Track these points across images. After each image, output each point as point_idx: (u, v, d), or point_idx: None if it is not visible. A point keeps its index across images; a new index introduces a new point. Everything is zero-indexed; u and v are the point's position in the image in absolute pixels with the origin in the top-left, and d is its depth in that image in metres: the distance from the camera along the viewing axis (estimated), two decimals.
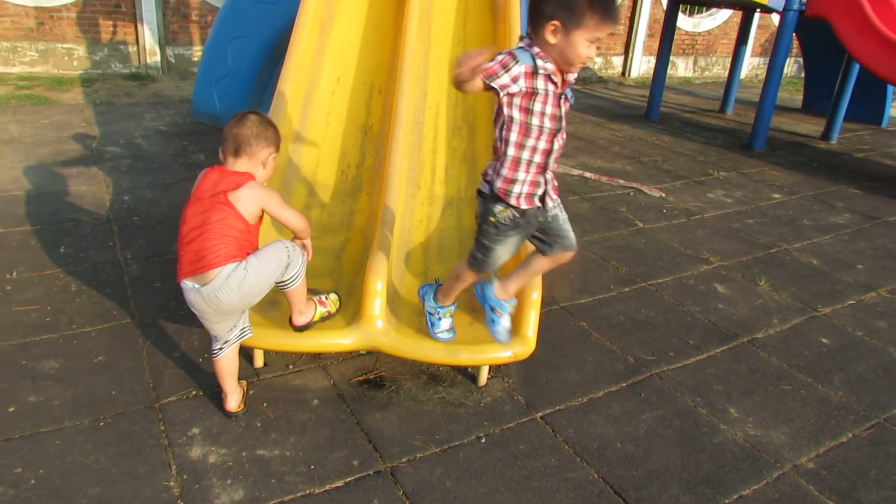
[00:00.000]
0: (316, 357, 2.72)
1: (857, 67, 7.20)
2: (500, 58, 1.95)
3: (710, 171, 5.99)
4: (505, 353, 2.44)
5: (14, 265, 3.27)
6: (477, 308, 2.68)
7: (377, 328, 2.41)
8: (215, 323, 2.24)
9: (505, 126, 2.07)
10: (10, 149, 4.99)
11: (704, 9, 11.59)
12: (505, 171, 2.11)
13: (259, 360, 2.63)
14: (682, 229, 4.55)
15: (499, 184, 2.13)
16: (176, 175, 4.76)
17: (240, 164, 2.24)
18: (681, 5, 9.78)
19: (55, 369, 2.56)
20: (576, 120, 7.66)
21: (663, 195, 5.21)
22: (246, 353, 2.66)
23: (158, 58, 8.16)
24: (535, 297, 2.47)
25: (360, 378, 2.62)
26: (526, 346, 2.45)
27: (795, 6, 6.32)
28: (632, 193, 5.20)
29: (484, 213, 2.19)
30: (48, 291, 3.07)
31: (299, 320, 2.42)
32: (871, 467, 2.36)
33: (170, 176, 4.73)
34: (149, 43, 8.03)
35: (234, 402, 2.36)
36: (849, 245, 4.50)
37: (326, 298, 2.53)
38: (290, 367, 2.66)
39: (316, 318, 2.46)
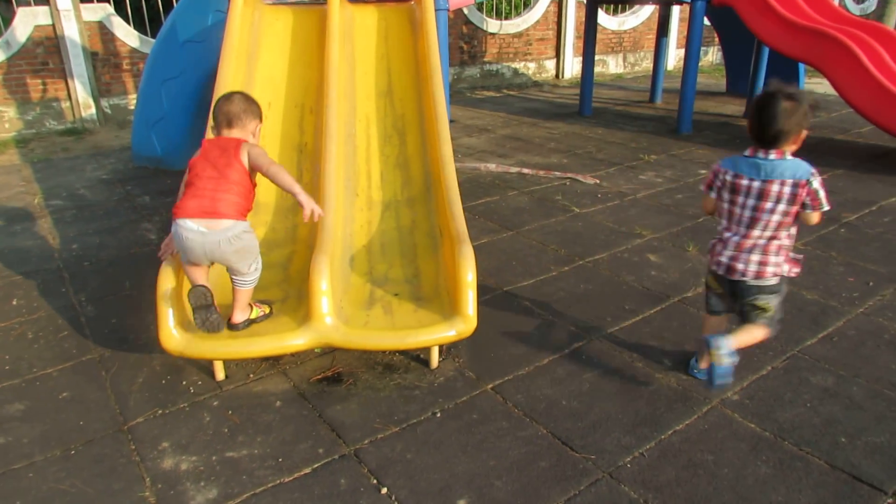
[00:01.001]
0: (275, 363, 2.84)
1: (766, 50, 7.64)
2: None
3: (641, 156, 6.29)
4: (450, 333, 2.60)
5: None
6: (421, 297, 2.85)
7: (327, 325, 2.55)
8: (195, 262, 2.55)
9: (791, 224, 2.38)
10: None
11: (627, 7, 12.07)
12: (790, 256, 2.42)
13: (220, 373, 2.74)
14: (616, 210, 4.79)
15: (792, 266, 2.42)
16: (122, 218, 4.83)
17: (234, 134, 2.62)
18: (603, 5, 10.21)
19: (20, 411, 2.63)
20: (512, 122, 7.94)
21: (598, 182, 5.46)
22: (207, 369, 2.77)
23: (94, 110, 8.18)
24: (470, 278, 2.64)
25: (319, 377, 2.75)
26: (468, 323, 2.62)
27: None
28: (568, 183, 5.44)
29: (783, 291, 2.46)
30: (4, 342, 3.12)
31: (238, 317, 2.64)
32: (786, 391, 2.59)
33: (116, 220, 4.80)
34: (82, 97, 8.05)
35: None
36: None
37: (261, 303, 2.77)
38: (251, 375, 2.78)
39: (253, 316, 2.68)
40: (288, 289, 2.95)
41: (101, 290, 3.67)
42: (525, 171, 5.77)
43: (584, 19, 11.63)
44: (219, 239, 2.45)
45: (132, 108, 8.46)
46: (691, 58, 7.05)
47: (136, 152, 6.22)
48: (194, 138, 5.95)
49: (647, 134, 7.27)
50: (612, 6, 12.04)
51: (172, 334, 2.49)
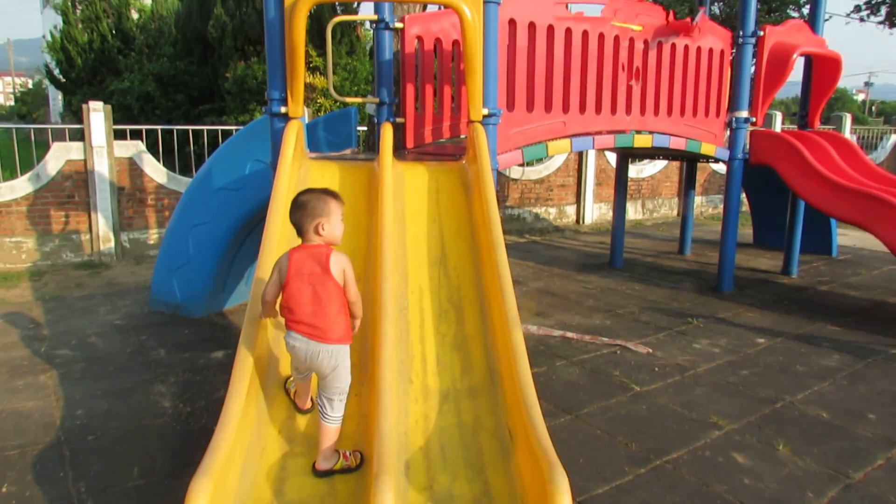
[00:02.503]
0: None
1: (802, 205, 7.51)
2: None
3: (688, 319, 5.91)
4: None
5: None
6: None
7: None
8: (301, 368, 2.79)
9: None
10: None
11: (642, 158, 12.21)
12: None
13: None
14: (680, 389, 4.34)
15: None
16: (134, 377, 4.39)
17: (312, 239, 2.75)
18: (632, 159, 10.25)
19: None
20: (543, 274, 7.64)
21: (650, 351, 5.05)
22: None
23: (112, 244, 7.96)
24: None
25: None
26: None
27: (740, 155, 6.62)
28: (618, 352, 5.03)
29: None
30: None
31: (322, 465, 2.64)
32: None
33: (127, 379, 4.35)
34: (102, 230, 7.86)
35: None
36: (851, 392, 4.34)
37: (350, 454, 2.72)
38: None
39: (337, 467, 2.66)
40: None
41: (104, 476, 3.16)
42: (569, 335, 5.37)
43: (603, 167, 11.78)
44: (319, 350, 2.66)
45: (151, 242, 8.26)
46: (730, 214, 6.86)
47: (154, 296, 5.87)
48: (216, 286, 5.64)
49: (688, 292, 6.94)
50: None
51: None
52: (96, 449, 3.44)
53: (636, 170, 12.16)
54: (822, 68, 7.22)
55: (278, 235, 3.40)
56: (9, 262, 7.51)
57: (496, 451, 2.75)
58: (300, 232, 2.77)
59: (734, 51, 6.60)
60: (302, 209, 2.74)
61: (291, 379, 2.96)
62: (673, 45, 6.01)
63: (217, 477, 2.17)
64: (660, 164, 12.51)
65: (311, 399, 2.95)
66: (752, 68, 6.65)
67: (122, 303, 6.18)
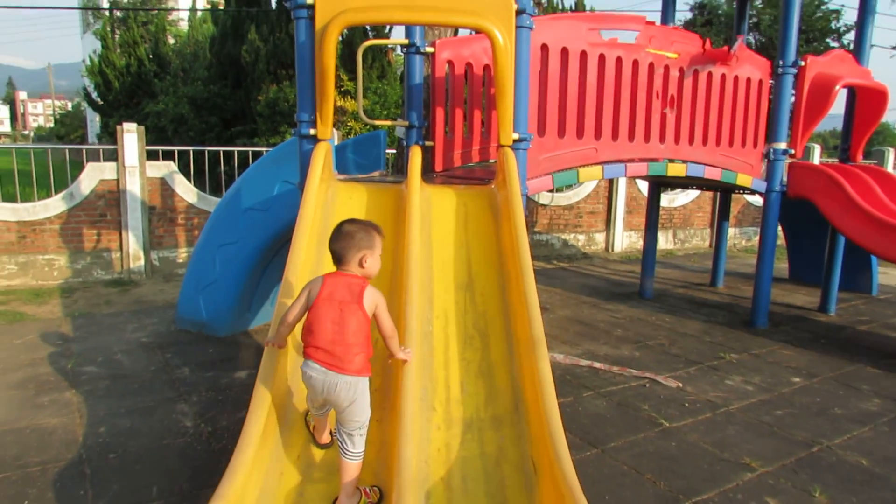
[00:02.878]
0: None
1: (842, 240, 7.30)
2: None
3: (720, 353, 5.75)
4: None
5: None
6: None
7: None
8: (317, 402, 2.70)
9: None
10: None
11: (674, 187, 12.07)
12: None
13: None
14: (711, 427, 4.19)
15: None
16: (157, 396, 4.38)
17: (350, 269, 2.71)
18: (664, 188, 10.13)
19: None
20: (571, 302, 7.53)
21: (680, 385, 4.90)
22: None
23: (142, 262, 8.05)
24: None
25: None
26: None
27: (777, 188, 6.48)
28: (647, 385, 4.89)
29: None
30: None
31: (344, 502, 2.58)
32: None
33: (151, 398, 4.34)
34: (133, 248, 7.95)
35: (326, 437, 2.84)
36: (893, 438, 4.15)
37: (370, 490, 2.68)
38: None
39: None
40: None
41: (124, 496, 3.13)
42: (597, 365, 5.25)
43: (634, 195, 11.66)
44: (337, 381, 2.58)
45: (180, 261, 8.33)
46: (766, 248, 6.69)
47: (180, 315, 5.89)
48: (242, 305, 5.64)
49: (720, 326, 6.76)
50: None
51: None
52: (117, 467, 3.41)
53: (668, 199, 12.00)
54: (866, 100, 7.05)
55: (304, 256, 3.38)
56: (41, 278, 7.62)
57: (519, 485, 2.66)
58: (340, 261, 2.71)
59: (773, 81, 6.49)
60: (348, 239, 2.70)
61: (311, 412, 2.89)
62: (710, 74, 5.93)
63: (234, 502, 2.11)
64: (693, 193, 12.34)
65: (331, 433, 2.89)
66: (792, 99, 6.52)
67: (149, 320, 6.21)
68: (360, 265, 2.71)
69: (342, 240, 2.70)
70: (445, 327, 3.38)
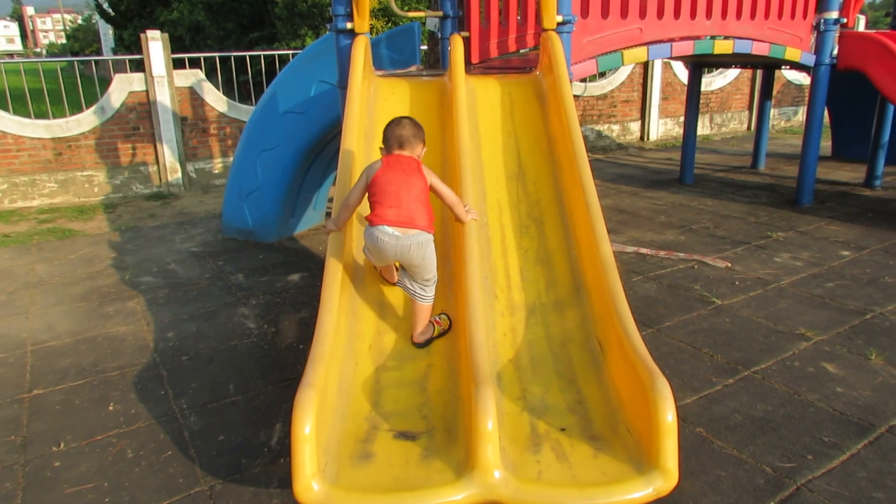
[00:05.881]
0: None
1: (891, 113, 7.04)
2: None
3: (767, 232, 5.70)
4: (647, 491, 2.08)
5: (60, 434, 2.96)
6: (595, 434, 2.35)
7: (495, 479, 2.07)
8: (384, 264, 2.95)
9: None
10: (40, 292, 4.77)
11: (714, 68, 11.60)
12: None
13: None
14: (764, 302, 4.22)
15: None
16: (217, 301, 4.51)
17: (404, 153, 2.87)
18: (705, 69, 9.74)
19: None
20: (610, 192, 7.46)
21: (729, 265, 4.90)
22: None
23: (179, 175, 8.10)
24: (671, 419, 2.13)
25: None
26: (668, 479, 2.10)
27: (827, 60, 6.19)
28: (696, 266, 4.90)
29: None
30: (102, 463, 2.74)
31: (419, 338, 2.86)
32: None
33: (211, 303, 4.48)
34: (169, 161, 7.98)
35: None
36: None
37: (440, 318, 2.94)
38: None
39: (435, 335, 2.89)
40: (431, 416, 2.49)
41: (203, 394, 3.28)
42: (644, 251, 5.26)
43: (670, 80, 11.27)
44: (409, 244, 2.74)
45: (216, 172, 8.37)
46: (813, 123, 6.48)
47: (226, 223, 5.98)
48: (286, 211, 5.69)
49: (764, 206, 6.68)
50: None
51: (311, 486, 2.04)
52: (191, 368, 3.57)
53: (705, 82, 11.58)
54: None
55: (353, 155, 3.35)
56: (82, 195, 7.74)
57: (586, 363, 2.73)
58: (402, 146, 2.86)
59: None
60: (415, 128, 2.90)
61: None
62: None
63: (319, 389, 2.21)
64: (730, 75, 11.89)
65: (397, 269, 3.05)
66: None
67: (195, 231, 6.32)
68: (417, 154, 2.92)
69: (410, 128, 2.88)
70: (500, 217, 3.39)
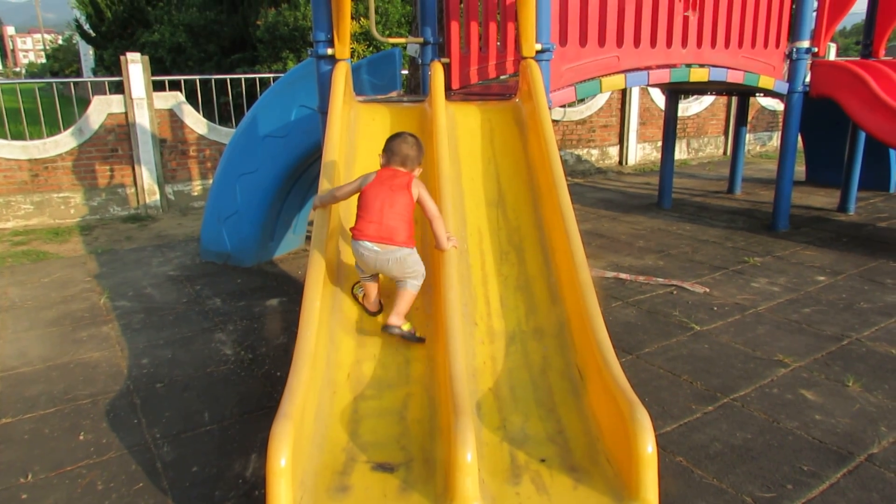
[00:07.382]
0: None
1: (863, 139, 7.19)
2: None
3: (744, 258, 5.76)
4: None
5: (28, 464, 2.88)
6: (575, 465, 2.33)
7: None
8: (370, 270, 3.00)
9: None
10: (11, 317, 4.67)
11: (690, 94, 11.79)
12: None
13: None
14: (742, 328, 4.25)
15: None
16: (194, 326, 4.45)
17: (401, 168, 3.00)
18: (682, 96, 9.90)
19: None
20: (590, 216, 7.51)
21: (707, 291, 4.94)
22: None
23: (158, 197, 8.03)
24: (650, 450, 2.12)
25: None
26: None
27: (800, 88, 6.32)
28: (674, 292, 4.93)
29: None
30: (71, 495, 2.66)
31: (394, 320, 2.91)
32: None
33: (187, 329, 4.41)
34: (147, 183, 7.91)
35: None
36: None
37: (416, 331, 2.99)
38: None
39: (405, 329, 2.92)
40: (409, 447, 2.46)
41: (177, 423, 3.22)
42: (623, 276, 5.28)
43: (647, 106, 11.43)
44: (388, 258, 2.89)
45: (195, 194, 8.31)
46: (787, 150, 6.60)
47: (204, 247, 5.92)
48: (265, 235, 5.65)
49: (741, 231, 6.75)
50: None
51: None
52: (166, 396, 3.50)
53: (682, 108, 11.76)
54: None
55: (335, 178, 3.34)
56: (58, 217, 7.63)
57: (566, 391, 2.72)
58: (402, 162, 2.99)
59: None
60: (417, 148, 3.03)
61: (359, 284, 3.13)
62: None
63: (296, 420, 2.17)
64: (706, 101, 12.09)
65: (380, 303, 3.12)
66: None
67: (172, 254, 6.25)
68: (413, 171, 3.04)
69: (413, 147, 3.02)
70: (480, 244, 3.39)
